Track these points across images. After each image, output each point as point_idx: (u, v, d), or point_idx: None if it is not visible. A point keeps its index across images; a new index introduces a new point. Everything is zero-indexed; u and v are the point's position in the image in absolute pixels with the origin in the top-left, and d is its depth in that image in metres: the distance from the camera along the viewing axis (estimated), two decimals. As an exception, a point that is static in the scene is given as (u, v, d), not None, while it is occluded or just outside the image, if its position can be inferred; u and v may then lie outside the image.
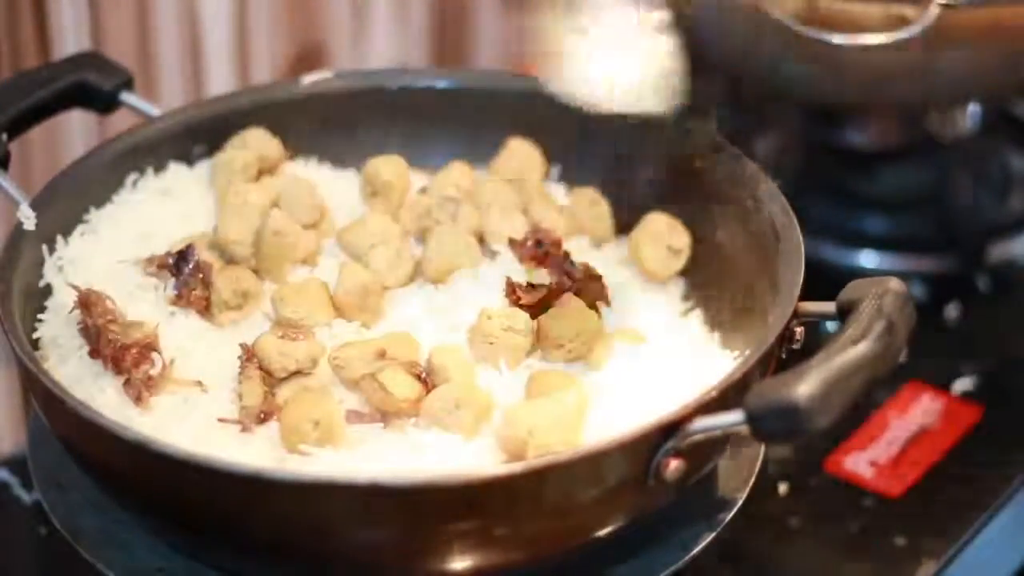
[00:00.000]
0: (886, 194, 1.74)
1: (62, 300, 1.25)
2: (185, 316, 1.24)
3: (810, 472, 1.47)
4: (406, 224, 1.33)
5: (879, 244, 1.70)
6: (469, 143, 1.42)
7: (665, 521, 1.20)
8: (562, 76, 1.24)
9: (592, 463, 1.09)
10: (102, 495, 1.21)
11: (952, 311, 1.65)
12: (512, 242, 1.30)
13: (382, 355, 1.19)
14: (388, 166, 1.35)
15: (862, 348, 1.10)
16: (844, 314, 1.15)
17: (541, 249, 1.29)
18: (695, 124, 1.37)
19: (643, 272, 1.33)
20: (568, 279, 1.25)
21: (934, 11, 1.45)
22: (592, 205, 1.37)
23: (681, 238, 1.34)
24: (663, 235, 1.33)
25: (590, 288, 1.26)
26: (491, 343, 1.21)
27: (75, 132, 1.55)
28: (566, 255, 1.28)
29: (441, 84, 1.44)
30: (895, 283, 1.16)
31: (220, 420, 1.18)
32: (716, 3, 1.56)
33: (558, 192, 1.41)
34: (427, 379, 1.19)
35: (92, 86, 1.37)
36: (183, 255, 1.26)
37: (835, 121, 1.73)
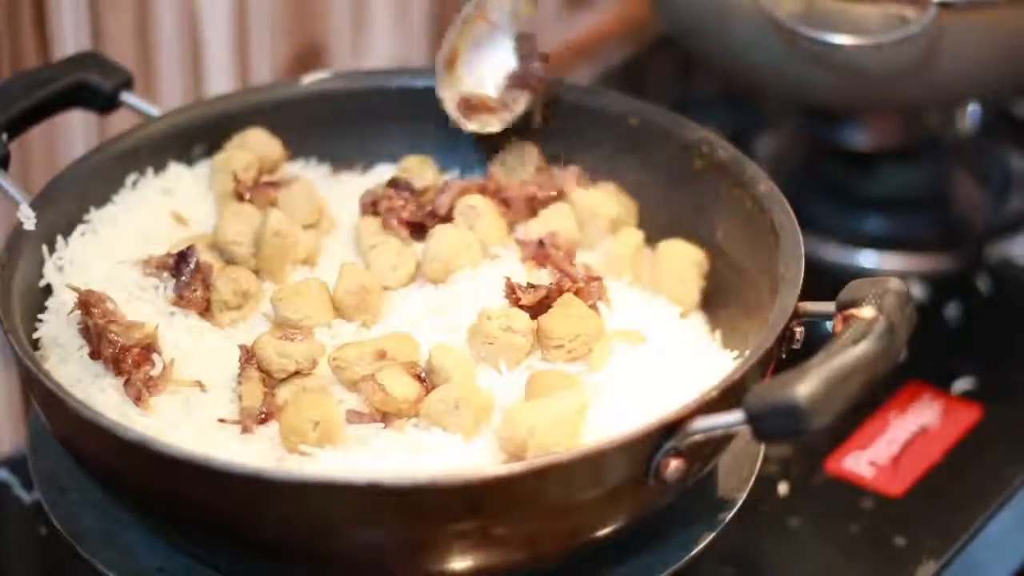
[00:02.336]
0: (886, 194, 1.74)
1: (62, 300, 1.25)
2: (185, 317, 1.25)
3: (810, 472, 1.47)
4: None
5: (879, 244, 1.70)
6: (469, 143, 1.42)
7: (665, 521, 1.20)
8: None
9: (592, 463, 1.09)
10: (102, 495, 1.21)
11: (952, 311, 1.65)
12: (518, 241, 1.30)
13: (382, 356, 1.19)
14: (420, 167, 1.36)
15: (862, 348, 1.10)
16: (844, 315, 1.15)
17: (543, 249, 1.29)
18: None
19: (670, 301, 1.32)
20: (569, 280, 1.25)
21: (934, 11, 1.45)
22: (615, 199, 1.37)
23: (702, 266, 1.32)
24: (686, 268, 1.32)
25: (591, 289, 1.26)
26: (491, 343, 1.21)
27: (75, 132, 1.55)
28: (568, 256, 1.28)
29: (441, 84, 1.44)
30: (895, 283, 1.16)
31: (220, 420, 1.18)
32: (716, 3, 1.56)
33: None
34: (427, 379, 1.19)
35: (92, 86, 1.37)
36: (183, 256, 1.26)
37: (835, 121, 1.73)
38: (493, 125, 1.35)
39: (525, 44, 1.36)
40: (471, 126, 1.35)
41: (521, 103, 1.35)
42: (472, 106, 1.34)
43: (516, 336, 1.20)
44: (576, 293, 1.24)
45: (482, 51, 1.35)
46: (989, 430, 1.52)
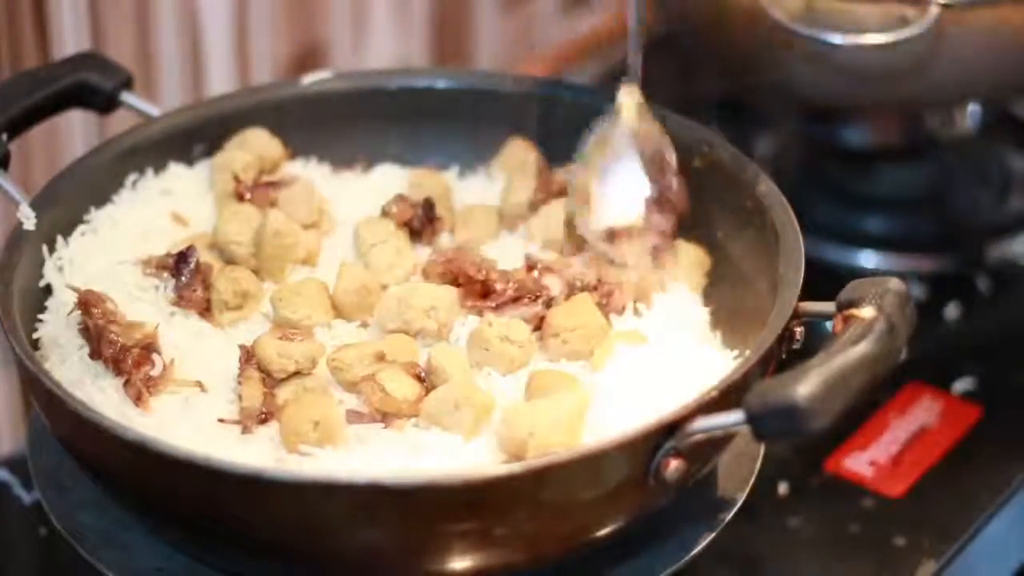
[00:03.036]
0: (886, 194, 1.74)
1: (62, 300, 1.25)
2: (185, 317, 1.25)
3: (810, 472, 1.47)
4: None
5: (879, 244, 1.70)
6: (469, 143, 1.42)
7: (665, 521, 1.20)
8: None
9: (592, 463, 1.09)
10: (102, 495, 1.21)
11: (952, 311, 1.65)
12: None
13: (381, 358, 1.19)
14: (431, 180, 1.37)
15: (862, 348, 1.10)
16: (844, 315, 1.15)
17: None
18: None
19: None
20: (606, 270, 1.26)
21: (934, 11, 1.45)
22: None
23: (703, 266, 1.33)
24: (686, 268, 1.32)
25: (626, 288, 1.26)
26: (486, 350, 1.21)
27: (75, 132, 1.55)
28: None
29: (441, 84, 1.44)
30: (895, 283, 1.16)
31: (220, 420, 1.18)
32: (716, 3, 1.56)
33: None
34: (427, 379, 1.19)
35: (92, 86, 1.37)
36: (183, 256, 1.26)
37: (835, 121, 1.73)
38: (635, 254, 1.28)
39: (655, 163, 1.30)
40: (616, 255, 1.28)
41: (669, 223, 1.29)
42: (617, 236, 1.28)
43: (512, 347, 1.20)
44: (607, 296, 1.25)
45: (615, 180, 1.30)
46: (989, 430, 1.52)
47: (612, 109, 1.31)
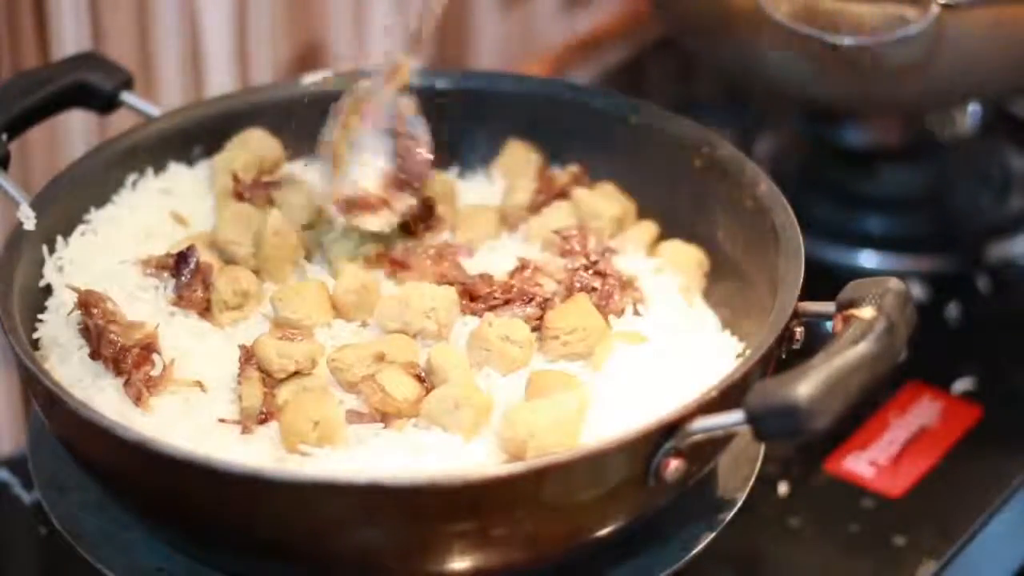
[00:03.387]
0: (886, 194, 1.74)
1: (62, 300, 1.25)
2: (185, 317, 1.25)
3: (810, 472, 1.47)
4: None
5: (879, 244, 1.70)
6: (469, 143, 1.42)
7: (665, 521, 1.20)
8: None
9: (592, 463, 1.09)
10: (102, 495, 1.21)
11: (952, 311, 1.65)
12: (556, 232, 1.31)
13: (380, 359, 1.19)
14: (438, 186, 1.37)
15: (862, 348, 1.10)
16: (844, 315, 1.15)
17: (568, 244, 1.29)
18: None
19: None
20: (598, 279, 1.26)
21: (934, 11, 1.45)
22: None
23: (703, 266, 1.33)
24: (686, 268, 1.32)
25: (625, 294, 1.26)
26: (487, 350, 1.21)
27: (75, 132, 1.55)
28: (604, 253, 1.29)
29: (441, 84, 1.44)
30: (895, 283, 1.16)
31: (220, 420, 1.18)
32: (716, 3, 1.56)
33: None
34: (426, 380, 1.19)
35: (92, 86, 1.37)
36: (183, 256, 1.26)
37: (835, 121, 1.73)
38: (373, 224, 1.29)
39: (404, 143, 1.31)
40: (353, 223, 1.29)
41: (405, 202, 1.29)
42: (353, 204, 1.28)
43: (512, 347, 1.20)
44: (607, 298, 1.25)
45: (365, 150, 1.31)
46: (989, 430, 1.52)
47: (376, 73, 1.31)
